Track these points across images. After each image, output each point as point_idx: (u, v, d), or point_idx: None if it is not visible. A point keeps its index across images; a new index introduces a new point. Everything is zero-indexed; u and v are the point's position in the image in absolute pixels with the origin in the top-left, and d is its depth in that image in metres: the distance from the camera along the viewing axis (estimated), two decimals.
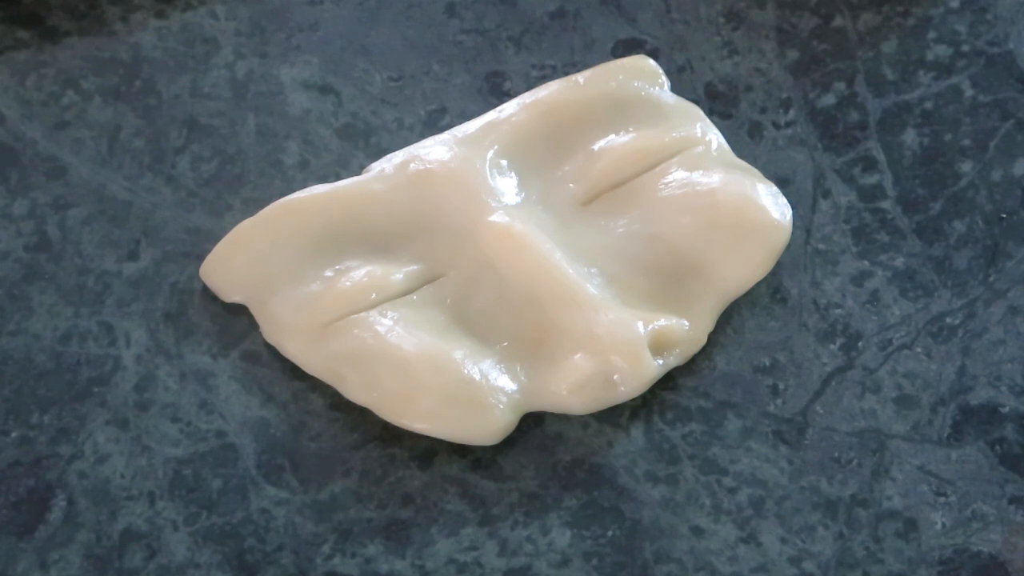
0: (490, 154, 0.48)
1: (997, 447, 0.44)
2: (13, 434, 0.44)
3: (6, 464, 0.44)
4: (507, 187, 0.48)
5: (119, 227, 0.48)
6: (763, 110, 0.51)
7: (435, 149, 0.48)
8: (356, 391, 0.44)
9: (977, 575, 0.42)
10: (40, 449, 0.44)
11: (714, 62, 0.52)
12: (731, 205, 0.46)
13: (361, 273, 0.46)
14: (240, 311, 0.46)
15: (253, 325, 0.46)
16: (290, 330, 0.45)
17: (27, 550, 0.43)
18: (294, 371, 0.45)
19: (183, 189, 0.49)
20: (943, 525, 0.43)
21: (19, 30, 0.52)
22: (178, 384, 0.45)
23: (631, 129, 0.49)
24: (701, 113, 0.49)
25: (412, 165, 0.48)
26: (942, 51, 0.52)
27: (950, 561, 0.43)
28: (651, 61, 0.50)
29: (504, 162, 0.48)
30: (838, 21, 0.53)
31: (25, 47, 0.52)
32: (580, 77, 0.50)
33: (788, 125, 0.50)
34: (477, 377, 0.44)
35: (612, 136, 0.49)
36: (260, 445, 0.44)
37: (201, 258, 0.47)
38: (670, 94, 0.50)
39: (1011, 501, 0.44)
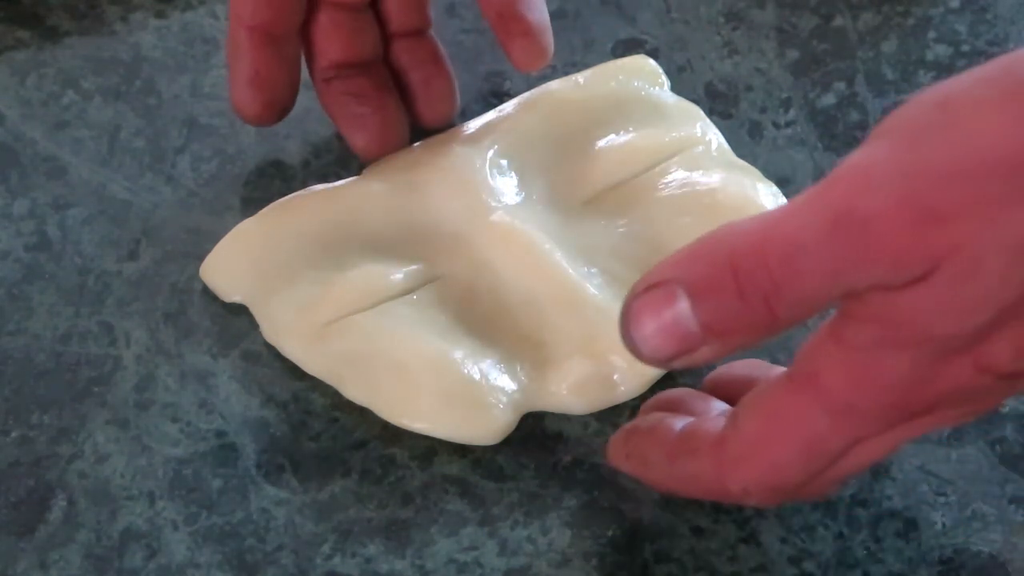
0: (490, 154, 0.48)
1: (997, 447, 0.44)
2: (13, 434, 0.44)
3: (6, 464, 0.44)
4: (507, 187, 0.47)
5: (119, 227, 0.48)
6: (763, 110, 0.51)
7: (435, 149, 0.48)
8: (356, 391, 0.44)
9: (977, 575, 0.42)
10: (40, 449, 0.44)
11: (714, 62, 0.52)
12: (731, 205, 0.46)
13: (361, 273, 0.46)
14: (240, 311, 0.46)
15: (253, 325, 0.46)
16: (290, 330, 0.45)
17: (27, 550, 0.42)
18: (294, 371, 0.45)
19: (183, 189, 0.49)
20: (943, 525, 0.43)
21: (19, 30, 0.52)
22: (178, 384, 0.45)
23: (631, 129, 0.49)
24: (701, 113, 0.49)
25: (412, 165, 0.48)
26: (942, 51, 0.52)
27: (950, 561, 0.43)
28: (651, 61, 0.50)
29: (504, 162, 0.48)
30: (838, 21, 0.53)
31: (25, 47, 0.52)
32: (580, 77, 0.50)
33: (788, 125, 0.50)
34: (477, 377, 0.44)
35: (612, 136, 0.49)
36: (260, 445, 0.44)
37: (201, 258, 0.47)
38: (670, 94, 0.50)
39: (1011, 501, 0.43)
